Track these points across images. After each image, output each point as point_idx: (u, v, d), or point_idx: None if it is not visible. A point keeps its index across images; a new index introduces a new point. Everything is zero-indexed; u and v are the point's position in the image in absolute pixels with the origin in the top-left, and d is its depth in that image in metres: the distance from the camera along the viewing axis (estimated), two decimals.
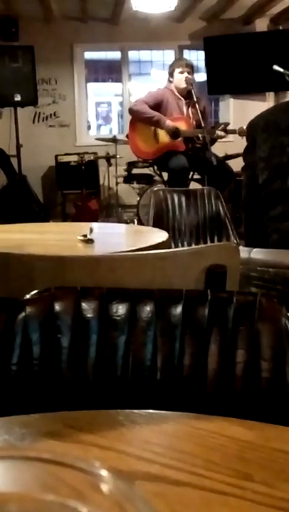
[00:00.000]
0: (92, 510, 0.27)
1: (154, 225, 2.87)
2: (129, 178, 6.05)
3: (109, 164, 6.67)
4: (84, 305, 0.95)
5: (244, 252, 1.72)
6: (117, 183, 6.48)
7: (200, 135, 5.03)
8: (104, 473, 0.27)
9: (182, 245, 3.00)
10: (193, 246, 2.76)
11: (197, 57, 7.72)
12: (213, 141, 5.19)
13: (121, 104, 8.52)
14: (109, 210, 7.04)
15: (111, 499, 0.26)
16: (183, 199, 3.12)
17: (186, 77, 5.12)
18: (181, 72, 5.16)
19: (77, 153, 6.83)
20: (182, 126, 5.17)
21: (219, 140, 5.25)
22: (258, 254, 1.75)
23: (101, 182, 7.22)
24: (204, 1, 6.76)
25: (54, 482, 0.28)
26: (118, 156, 6.35)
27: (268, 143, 1.90)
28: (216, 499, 0.51)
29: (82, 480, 0.28)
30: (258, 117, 2.03)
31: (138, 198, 5.82)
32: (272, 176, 1.87)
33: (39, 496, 0.28)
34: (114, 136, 6.53)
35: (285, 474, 0.56)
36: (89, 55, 8.08)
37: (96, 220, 6.23)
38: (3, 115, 7.03)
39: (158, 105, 5.20)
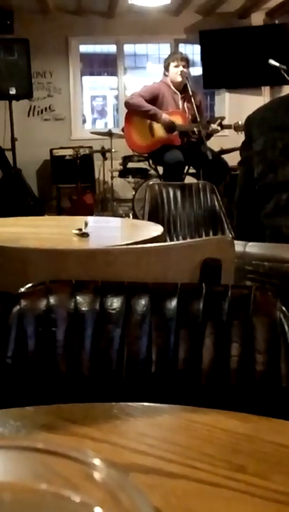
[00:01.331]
0: (85, 499, 0.27)
1: (150, 219, 2.87)
2: (124, 172, 6.04)
3: (105, 158, 6.66)
4: (79, 298, 0.95)
5: (239, 245, 1.72)
6: (112, 177, 6.47)
7: (195, 129, 5.02)
8: (97, 462, 0.28)
9: (177, 239, 3.00)
10: (189, 240, 2.76)
11: (193, 51, 7.70)
12: (209, 135, 5.18)
13: (116, 97, 8.49)
14: (105, 204, 7.02)
15: (104, 488, 0.26)
16: (178, 193, 3.12)
17: (181, 71, 5.11)
18: (177, 66, 5.15)
19: (73, 147, 6.81)
20: (178, 120, 5.16)
21: (215, 135, 5.25)
22: (253, 247, 1.76)
23: (96, 176, 7.20)
24: None
25: (47, 471, 0.29)
26: (113, 150, 6.34)
27: (262, 137, 1.92)
28: (211, 491, 0.51)
29: (76, 469, 0.28)
30: (254, 112, 2.05)
31: (133, 192, 5.82)
32: (266, 170, 1.90)
33: (33, 486, 0.28)
34: (110, 130, 6.51)
35: (279, 466, 0.56)
36: (84, 48, 8.05)
37: (91, 214, 6.22)
38: None
39: (154, 99, 5.19)
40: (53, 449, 0.29)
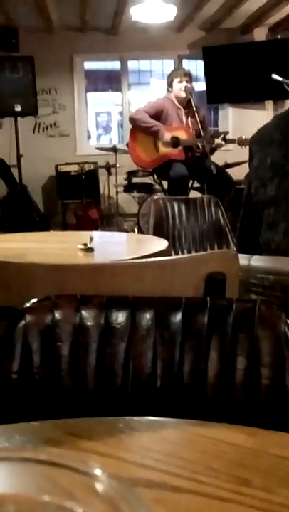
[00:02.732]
0: (87, 510, 0.27)
1: (154, 234, 2.88)
2: (129, 187, 6.06)
3: (110, 173, 6.69)
4: (84, 313, 0.95)
5: (244, 259, 1.72)
6: (117, 192, 6.49)
7: (199, 144, 5.05)
8: (98, 473, 0.28)
9: (182, 253, 3.00)
10: (193, 253, 2.77)
11: (196, 66, 7.76)
12: (213, 150, 5.20)
13: (121, 113, 8.55)
14: (110, 219, 7.04)
15: (106, 499, 0.26)
16: (183, 207, 3.13)
17: (185, 87, 5.15)
18: (180, 82, 5.18)
19: (78, 163, 6.85)
20: (182, 135, 5.19)
21: (219, 149, 5.27)
22: (257, 261, 1.76)
23: (101, 191, 7.23)
24: (203, 11, 6.79)
25: (50, 483, 0.29)
26: (118, 166, 6.37)
27: (258, 154, 2.00)
28: (216, 505, 0.51)
29: (78, 480, 0.28)
30: (256, 131, 2.12)
31: (138, 207, 5.83)
32: (259, 186, 1.95)
33: (36, 497, 0.28)
34: (114, 146, 6.55)
35: (285, 480, 0.56)
36: (88, 65, 8.12)
37: (96, 229, 6.24)
38: (4, 125, 7.06)
39: (158, 115, 5.22)
40: (55, 461, 0.29)
